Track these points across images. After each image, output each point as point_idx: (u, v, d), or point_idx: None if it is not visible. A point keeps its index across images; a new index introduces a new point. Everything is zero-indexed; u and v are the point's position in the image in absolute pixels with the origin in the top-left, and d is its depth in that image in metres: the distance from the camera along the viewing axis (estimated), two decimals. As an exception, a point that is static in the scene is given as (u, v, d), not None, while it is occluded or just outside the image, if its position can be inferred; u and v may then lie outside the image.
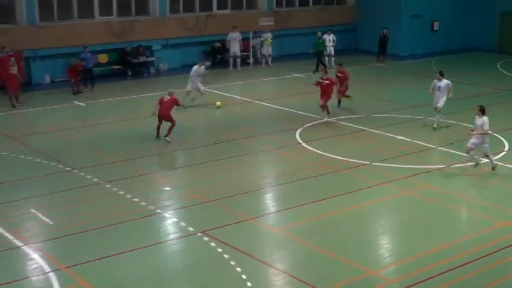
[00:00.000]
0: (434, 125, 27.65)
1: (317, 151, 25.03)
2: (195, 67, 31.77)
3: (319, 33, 41.73)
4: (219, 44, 42.65)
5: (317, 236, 18.04)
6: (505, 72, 40.95)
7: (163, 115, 26.03)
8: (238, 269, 16.04)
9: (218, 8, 43.62)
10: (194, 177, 22.51)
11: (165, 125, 25.98)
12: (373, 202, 20.47)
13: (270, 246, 17.62)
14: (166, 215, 19.36)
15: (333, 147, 25.37)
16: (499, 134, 26.61)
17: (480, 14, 48.07)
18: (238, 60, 42.16)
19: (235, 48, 41.95)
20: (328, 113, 29.45)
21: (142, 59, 39.52)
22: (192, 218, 19.10)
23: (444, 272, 15.86)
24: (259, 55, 43.92)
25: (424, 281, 15.47)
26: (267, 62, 43.12)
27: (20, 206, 20.02)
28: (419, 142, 25.77)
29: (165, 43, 41.25)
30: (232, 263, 16.38)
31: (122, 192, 20.86)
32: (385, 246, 17.93)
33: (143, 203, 19.89)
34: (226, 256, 16.72)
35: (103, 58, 39.05)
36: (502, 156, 24.29)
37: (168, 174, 23.03)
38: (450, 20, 48.01)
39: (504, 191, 21.43)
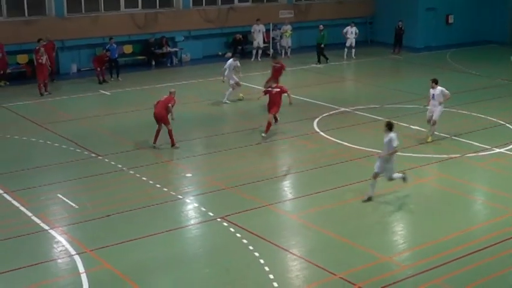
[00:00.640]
0: (429, 139, 24.57)
1: (334, 140, 24.93)
2: (230, 61, 31.06)
3: (321, 26, 41.26)
4: (240, 36, 42.50)
5: (333, 223, 17.99)
6: (517, 64, 40.66)
7: (157, 114, 23.43)
8: (256, 254, 16.01)
9: (239, 1, 43.50)
10: (214, 164, 22.46)
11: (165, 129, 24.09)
12: (388, 190, 20.30)
13: (287, 232, 17.57)
14: (187, 200, 19.35)
15: (350, 136, 25.25)
16: (511, 125, 26.45)
17: (493, 8, 47.71)
18: (260, 51, 42.05)
19: (259, 39, 41.84)
20: (277, 121, 26.56)
21: (165, 49, 39.52)
22: (212, 204, 19.07)
23: (457, 259, 15.77)
24: (279, 46, 43.79)
25: (436, 267, 15.37)
26: (286, 53, 42.99)
27: (47, 190, 20.07)
28: (437, 133, 25.54)
29: (188, 34, 41.20)
30: (251, 247, 16.35)
31: (144, 178, 20.85)
32: (399, 233, 17.83)
33: (165, 189, 19.87)
34: (244, 241, 16.69)
35: (128, 49, 39.09)
36: (514, 146, 24.17)
37: (189, 161, 22.97)
38: (464, 13, 47.67)
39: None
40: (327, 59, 40.39)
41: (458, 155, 23.32)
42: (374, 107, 29.94)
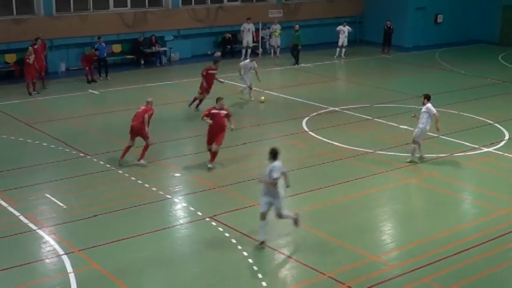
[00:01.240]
0: (408, 159, 22.48)
1: (323, 139, 24.97)
2: (246, 61, 30.78)
3: (297, 27, 41.07)
4: (230, 35, 42.54)
5: (322, 222, 18.03)
6: (506, 64, 40.79)
7: (134, 127, 21.84)
8: (245, 253, 16.05)
9: (228, 0, 43.46)
10: (203, 164, 22.47)
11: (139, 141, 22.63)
12: (377, 189, 20.41)
13: (275, 232, 17.53)
14: (176, 200, 19.36)
15: (339, 136, 25.30)
16: (499, 125, 26.56)
17: (483, 7, 47.87)
18: (249, 50, 42.05)
19: (248, 38, 41.82)
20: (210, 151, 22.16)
21: (154, 49, 39.47)
22: (201, 204, 19.09)
23: (444, 258, 15.83)
24: (268, 46, 43.82)
25: (424, 266, 15.45)
26: (275, 53, 43.03)
27: (35, 190, 20.04)
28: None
29: (177, 34, 41.18)
30: (239, 247, 16.38)
31: (133, 178, 20.85)
32: (387, 232, 17.89)
33: (154, 189, 19.88)
34: (233, 241, 16.72)
35: (117, 48, 39.04)
36: (502, 146, 24.21)
37: (178, 160, 22.96)
38: (453, 12, 47.81)
39: (504, 179, 21.30)
40: (297, 62, 40.15)
41: (447, 154, 23.40)
42: (363, 106, 29.99)
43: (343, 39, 42.38)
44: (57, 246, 16.36)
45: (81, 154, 23.17)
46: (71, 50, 37.39)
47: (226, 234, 17.08)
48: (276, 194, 16.18)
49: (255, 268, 15.36)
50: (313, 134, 25.66)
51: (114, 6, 39.04)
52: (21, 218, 17.85)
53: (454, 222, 18.06)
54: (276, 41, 42.87)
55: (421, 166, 22.16)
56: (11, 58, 35.33)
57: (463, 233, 17.29)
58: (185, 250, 16.79)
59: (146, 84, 34.32)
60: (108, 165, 21.98)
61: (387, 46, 44.09)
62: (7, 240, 16.71)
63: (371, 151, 23.64)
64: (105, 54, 35.61)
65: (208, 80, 28.59)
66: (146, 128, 21.80)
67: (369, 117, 28.01)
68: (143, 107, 22.21)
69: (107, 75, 35.52)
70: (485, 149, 23.64)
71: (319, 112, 28.94)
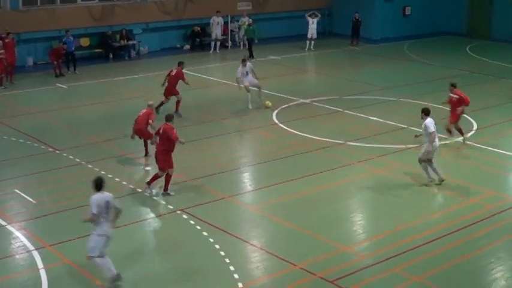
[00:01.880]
0: (430, 181, 19.98)
1: (293, 131, 25.03)
2: (239, 68, 28.43)
3: (250, 21, 41.20)
4: (199, 28, 42.43)
5: (292, 214, 18.07)
6: (473, 55, 41.09)
7: (138, 131, 21.67)
8: (217, 246, 16.06)
9: (198, -7, 43.37)
10: (173, 157, 22.40)
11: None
12: (347, 181, 20.51)
13: (247, 224, 17.64)
14: (146, 194, 19.29)
15: (309, 128, 25.36)
16: (468, 115, 26.71)
17: (450, 0, 48.12)
18: (218, 43, 41.99)
19: (217, 32, 41.73)
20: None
21: (123, 42, 39.28)
22: (172, 197, 19.05)
23: (414, 248, 15.97)
24: (237, 39, 43.79)
25: (395, 256, 15.56)
26: (244, 45, 42.94)
27: (4, 186, 19.91)
28: (391, 122, 25.80)
29: (146, 27, 41.02)
30: (211, 240, 16.39)
31: (103, 172, 20.72)
32: (358, 223, 18.01)
33: (124, 183, 19.83)
34: (205, 233, 16.73)
35: (85, 42, 38.83)
36: (471, 136, 24.41)
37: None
38: (422, 5, 47.99)
39: (473, 169, 21.49)
40: (252, 55, 39.47)
41: (416, 145, 23.51)
42: (333, 98, 30.08)
43: (312, 32, 42.39)
44: (27, 242, 16.28)
45: (50, 149, 23.03)
46: (39, 44, 37.14)
47: (198, 227, 17.08)
48: (99, 229, 14.05)
49: (227, 260, 15.37)
50: (283, 126, 25.71)
51: (82, 0, 38.77)
52: (-9, 213, 17.76)
53: (423, 212, 18.18)
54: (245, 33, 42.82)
55: (391, 157, 22.28)
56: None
57: (433, 223, 17.43)
58: (157, 243, 16.80)
59: (115, 78, 34.20)
60: (77, 160, 21.87)
61: (356, 38, 44.22)
62: (-24, 236, 16.64)
63: (341, 142, 23.75)
64: (73, 48, 35.43)
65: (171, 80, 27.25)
66: (151, 131, 21.00)
67: (338, 109, 28.10)
68: (144, 111, 21.67)
69: (75, 69, 35.32)
70: (454, 139, 23.82)
71: (289, 104, 28.99)
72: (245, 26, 42.03)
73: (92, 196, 14.13)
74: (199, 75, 33.55)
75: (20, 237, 16.54)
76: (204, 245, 16.21)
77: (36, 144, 23.50)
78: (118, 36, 39.23)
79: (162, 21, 41.53)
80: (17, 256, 15.72)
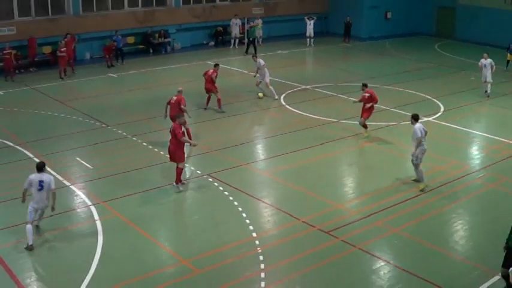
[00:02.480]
0: (421, 186, 17.12)
1: (297, 111, 24.90)
2: (260, 60, 27.08)
3: (251, 23, 40.59)
4: (221, 28, 42.28)
5: (297, 178, 18.04)
6: (441, 51, 40.64)
7: (173, 117, 19.87)
8: (236, 203, 16.06)
9: (220, 0, 43.05)
10: (201, 132, 22.37)
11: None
12: (340, 151, 20.44)
13: (260, 186, 17.60)
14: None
15: (310, 108, 25.23)
16: (436, 99, 26.62)
17: (423, 6, 47.61)
18: (237, 40, 41.75)
19: (235, 31, 41.46)
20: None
21: (161, 40, 39.14)
22: (199, 164, 19.04)
23: (394, 205, 15.93)
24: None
25: (378, 212, 15.55)
26: (258, 42, 42.70)
27: (67, 154, 19.93)
28: (377, 105, 25.53)
29: (179, 27, 40.82)
30: (231, 198, 16.39)
31: (145, 144, 20.76)
32: (349, 185, 17.95)
33: (162, 152, 19.76)
34: (226, 193, 16.72)
35: (130, 39, 38.58)
36: (439, 116, 24.28)
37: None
38: (400, 10, 47.41)
39: (440, 143, 21.31)
40: (247, 52, 38.49)
41: (395, 123, 23.43)
42: (329, 85, 29.89)
43: (310, 31, 42.06)
44: (86, 199, 16.34)
45: (103, 125, 23.02)
46: (95, 42, 36.97)
47: (221, 188, 17.07)
48: (32, 202, 13.91)
49: (244, 215, 15.38)
50: (289, 107, 25.58)
51: (128, 6, 38.60)
52: (58, 176, 17.71)
53: (401, 176, 18.05)
54: (258, 32, 42.55)
55: (375, 132, 22.13)
56: (47, 49, 34.96)
57: (409, 185, 17.34)
58: (188, 201, 16.78)
59: (154, 68, 34.09)
60: (124, 134, 21.85)
61: (347, 37, 43.82)
62: (46, 194, 16.67)
63: (336, 120, 23.62)
64: (121, 45, 35.38)
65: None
66: (186, 114, 19.84)
67: (333, 94, 27.93)
68: (175, 97, 20.52)
69: (123, 62, 35.22)
70: (426, 119, 23.66)
71: (294, 90, 28.82)
72: (259, 26, 41.76)
73: (30, 175, 14.02)
74: (222, 65, 33.35)
75: (80, 195, 16.59)
76: (225, 202, 16.21)
77: (92, 122, 23.48)
78: (157, 35, 39.10)
79: (192, 23, 41.29)
80: (79, 210, 15.77)
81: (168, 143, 17.12)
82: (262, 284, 12.36)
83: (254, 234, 14.41)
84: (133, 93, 28.48)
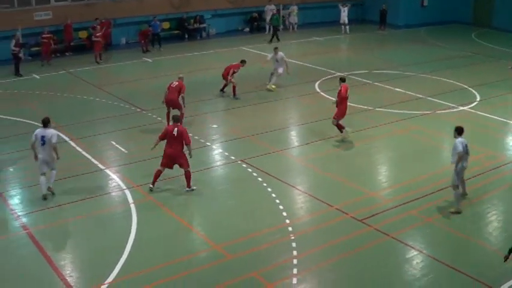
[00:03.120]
0: (452, 209, 14.95)
1: (331, 98, 24.65)
2: (281, 53, 26.24)
3: (274, 11, 40.27)
4: (256, 14, 42.18)
5: (330, 165, 17.95)
6: (478, 40, 39.98)
7: (170, 101, 20.34)
8: (269, 189, 16.02)
9: (256, -14, 42.92)
10: (235, 118, 22.36)
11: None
12: (375, 139, 20.24)
13: (294, 173, 17.53)
14: (214, 146, 19.32)
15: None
16: (472, 89, 26.22)
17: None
18: (271, 26, 41.55)
19: (270, 17, 41.32)
20: None
21: (196, 25, 39.20)
22: (234, 149, 19.03)
23: (428, 195, 15.74)
24: (287, 23, 43.22)
25: (412, 201, 15.39)
26: (293, 28, 42.56)
27: (103, 138, 20.10)
28: (411, 93, 25.33)
29: (214, 13, 40.80)
30: (264, 184, 16.35)
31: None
32: (383, 173, 17.79)
33: (196, 137, 19.80)
34: (260, 179, 16.69)
35: (166, 25, 38.71)
36: (475, 105, 23.89)
37: (216, 115, 22.88)
38: (436, -3, 46.92)
39: (477, 132, 20.95)
40: (271, 41, 37.79)
41: (430, 111, 23.13)
42: (363, 72, 29.63)
43: (343, 18, 41.62)
44: (120, 182, 16.46)
45: (138, 109, 23.14)
46: (130, 27, 37.19)
47: (254, 174, 17.04)
48: (38, 154, 15.20)
49: (277, 201, 15.34)
50: (323, 94, 25.41)
51: (164, -8, 38.75)
52: (93, 160, 17.94)
53: (436, 166, 17.82)
54: (294, 19, 42.42)
55: (410, 120, 21.89)
56: (83, 34, 35.24)
57: (441, 175, 17.07)
58: (222, 186, 16.78)
59: (189, 54, 34.16)
60: (159, 118, 21.92)
61: (383, 24, 43.36)
62: (83, 177, 16.87)
63: (371, 108, 23.41)
64: (158, 30, 35.52)
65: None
66: (182, 103, 20.40)
67: (368, 81, 27.69)
68: (176, 82, 20.49)
69: (160, 47, 35.40)
70: (461, 108, 23.33)
71: (328, 77, 28.61)
72: (295, 13, 41.53)
73: (36, 130, 15.43)
74: (258, 52, 33.27)
75: (115, 179, 16.72)
76: (259, 188, 16.18)
77: (127, 106, 23.62)
78: (192, 21, 39.17)
79: (227, 9, 41.24)
80: (113, 193, 15.89)
81: (165, 147, 15.89)
82: (295, 270, 12.33)
83: (287, 221, 14.36)
84: (167, 78, 28.30)
